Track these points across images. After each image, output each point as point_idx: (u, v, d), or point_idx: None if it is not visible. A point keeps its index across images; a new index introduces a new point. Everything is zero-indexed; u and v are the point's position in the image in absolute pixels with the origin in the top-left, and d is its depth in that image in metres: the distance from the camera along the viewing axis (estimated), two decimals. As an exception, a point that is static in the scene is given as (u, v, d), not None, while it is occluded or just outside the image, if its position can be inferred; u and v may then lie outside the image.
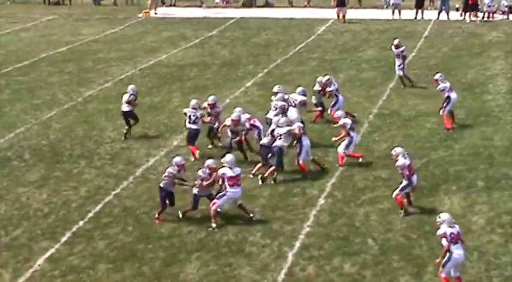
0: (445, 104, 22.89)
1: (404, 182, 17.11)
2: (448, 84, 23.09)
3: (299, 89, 22.65)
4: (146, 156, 21.21)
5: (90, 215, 17.61)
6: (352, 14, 42.20)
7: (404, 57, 27.50)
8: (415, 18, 41.25)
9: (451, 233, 13.88)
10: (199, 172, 17.15)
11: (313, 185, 19.02)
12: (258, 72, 30.59)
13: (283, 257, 15.53)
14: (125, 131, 22.82)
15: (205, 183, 17.00)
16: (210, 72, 30.75)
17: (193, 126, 20.95)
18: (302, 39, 36.81)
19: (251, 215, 17.06)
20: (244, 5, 47.56)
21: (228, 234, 16.49)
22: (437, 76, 23.44)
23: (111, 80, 29.78)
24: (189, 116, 20.95)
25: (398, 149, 17.40)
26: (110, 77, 30.16)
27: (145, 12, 44.50)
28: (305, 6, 46.58)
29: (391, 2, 42.27)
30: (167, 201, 17.27)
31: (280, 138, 19.40)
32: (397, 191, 17.20)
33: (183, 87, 28.17)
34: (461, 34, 37.42)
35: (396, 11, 41.51)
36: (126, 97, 22.81)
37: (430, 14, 41.64)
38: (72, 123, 24.34)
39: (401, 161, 17.05)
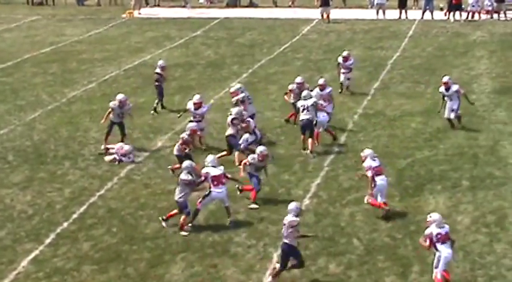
0: (459, 105, 22.51)
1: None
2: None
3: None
4: (131, 157, 21.13)
5: (75, 216, 17.52)
6: (336, 13, 42.27)
7: (350, 70, 26.67)
8: (399, 18, 41.36)
9: (438, 234, 13.89)
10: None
11: (298, 185, 19.00)
12: (242, 72, 30.55)
13: (269, 258, 15.50)
14: (154, 106, 25.11)
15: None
16: (195, 73, 30.69)
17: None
18: (287, 39, 36.81)
19: (230, 219, 16.84)
20: (228, 5, 47.55)
21: (213, 235, 16.44)
22: (446, 79, 22.65)
23: (95, 80, 29.66)
24: None
25: (367, 151, 17.38)
26: (94, 78, 30.04)
27: (129, 13, 44.38)
28: (289, 6, 46.60)
29: (376, 1, 42.35)
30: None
31: (307, 111, 20.46)
32: (366, 197, 17.02)
33: (167, 88, 27.96)
34: (446, 34, 37.53)
35: (380, 11, 41.60)
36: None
37: (415, 14, 41.76)
38: (56, 124, 24.21)
39: (368, 162, 16.98)
